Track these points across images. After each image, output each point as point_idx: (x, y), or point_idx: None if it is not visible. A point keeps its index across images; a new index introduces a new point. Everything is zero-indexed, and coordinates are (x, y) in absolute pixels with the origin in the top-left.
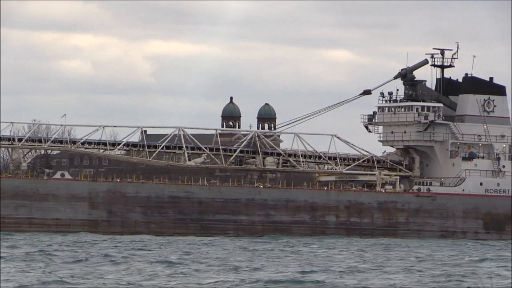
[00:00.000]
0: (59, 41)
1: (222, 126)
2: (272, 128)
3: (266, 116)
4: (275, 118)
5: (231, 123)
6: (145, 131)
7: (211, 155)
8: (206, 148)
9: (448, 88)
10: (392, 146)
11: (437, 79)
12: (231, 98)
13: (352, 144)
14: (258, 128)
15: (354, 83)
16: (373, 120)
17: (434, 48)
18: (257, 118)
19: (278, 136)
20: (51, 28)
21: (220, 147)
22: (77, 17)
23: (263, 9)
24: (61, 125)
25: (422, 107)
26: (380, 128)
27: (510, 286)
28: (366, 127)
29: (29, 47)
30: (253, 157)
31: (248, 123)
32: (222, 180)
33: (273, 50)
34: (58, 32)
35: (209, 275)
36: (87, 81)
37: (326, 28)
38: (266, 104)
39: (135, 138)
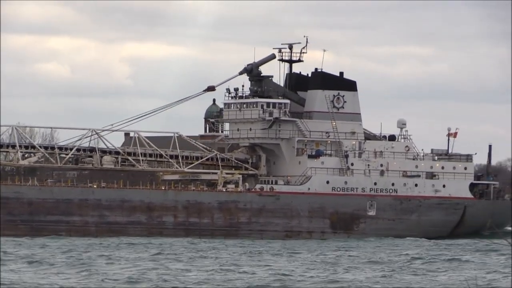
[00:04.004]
0: (36, 44)
1: (205, 129)
2: None
3: None
4: None
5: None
6: (128, 134)
7: (46, 154)
8: (40, 146)
9: (298, 84)
10: (238, 144)
11: (286, 74)
12: (214, 100)
13: (196, 142)
14: None
15: None
16: (220, 117)
17: (283, 44)
18: None
19: None
20: (27, 31)
21: (56, 146)
22: (53, 20)
23: (237, 11)
24: None
25: (268, 103)
26: (227, 125)
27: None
28: (213, 124)
29: (4, 50)
30: (90, 156)
31: None
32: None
33: (250, 52)
34: (34, 35)
35: None
36: (64, 84)
37: (303, 29)
38: None
39: (119, 142)
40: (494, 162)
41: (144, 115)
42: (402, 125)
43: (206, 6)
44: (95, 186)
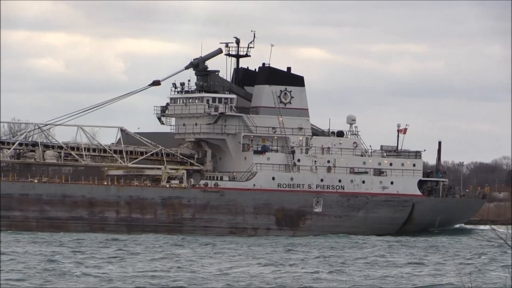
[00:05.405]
0: (31, 39)
1: None
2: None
3: None
4: None
5: None
6: (125, 130)
7: None
8: None
9: (245, 79)
10: (184, 139)
11: (234, 69)
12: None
13: (140, 137)
14: None
15: (326, 80)
16: (166, 112)
17: (217, 40)
18: None
19: None
20: (22, 26)
21: None
22: (48, 16)
23: (233, 8)
24: None
25: (213, 98)
26: (173, 120)
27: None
28: (159, 119)
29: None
30: (33, 151)
31: None
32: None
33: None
34: (29, 30)
35: None
36: (59, 80)
37: (296, 26)
38: None
39: (113, 138)
40: (489, 160)
41: (89, 109)
42: (351, 121)
43: (203, 3)
44: (36, 181)
